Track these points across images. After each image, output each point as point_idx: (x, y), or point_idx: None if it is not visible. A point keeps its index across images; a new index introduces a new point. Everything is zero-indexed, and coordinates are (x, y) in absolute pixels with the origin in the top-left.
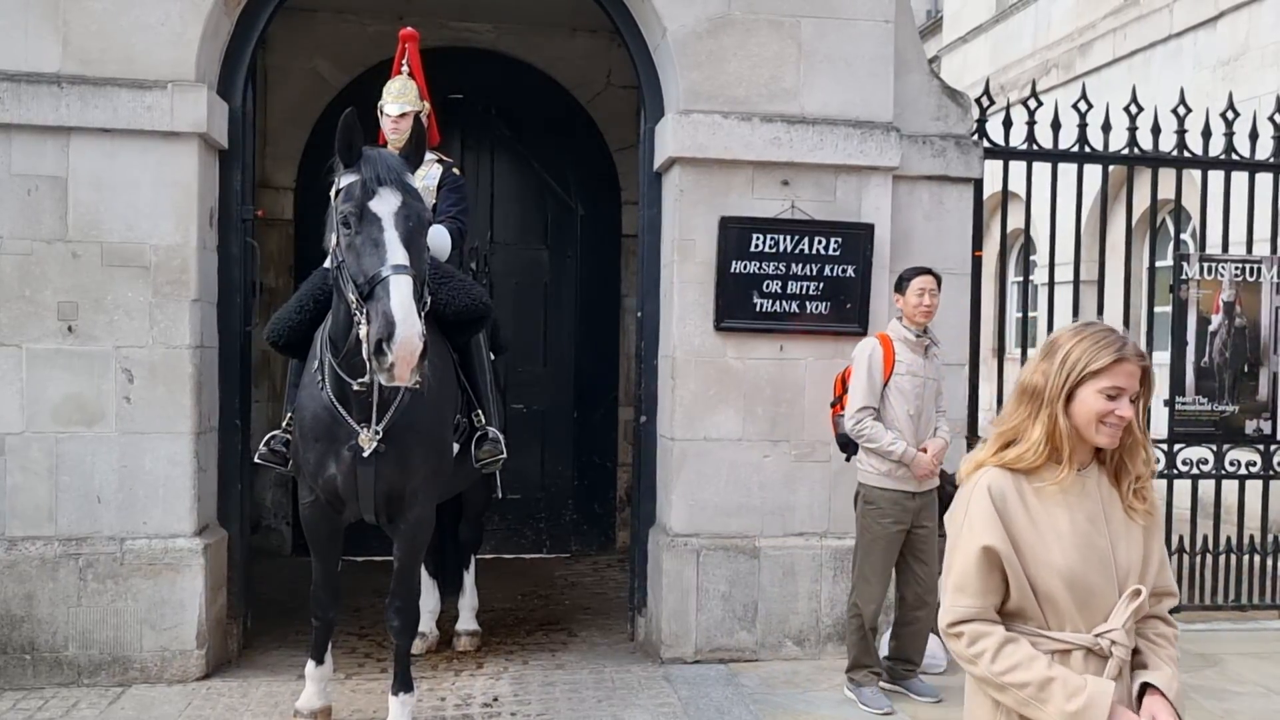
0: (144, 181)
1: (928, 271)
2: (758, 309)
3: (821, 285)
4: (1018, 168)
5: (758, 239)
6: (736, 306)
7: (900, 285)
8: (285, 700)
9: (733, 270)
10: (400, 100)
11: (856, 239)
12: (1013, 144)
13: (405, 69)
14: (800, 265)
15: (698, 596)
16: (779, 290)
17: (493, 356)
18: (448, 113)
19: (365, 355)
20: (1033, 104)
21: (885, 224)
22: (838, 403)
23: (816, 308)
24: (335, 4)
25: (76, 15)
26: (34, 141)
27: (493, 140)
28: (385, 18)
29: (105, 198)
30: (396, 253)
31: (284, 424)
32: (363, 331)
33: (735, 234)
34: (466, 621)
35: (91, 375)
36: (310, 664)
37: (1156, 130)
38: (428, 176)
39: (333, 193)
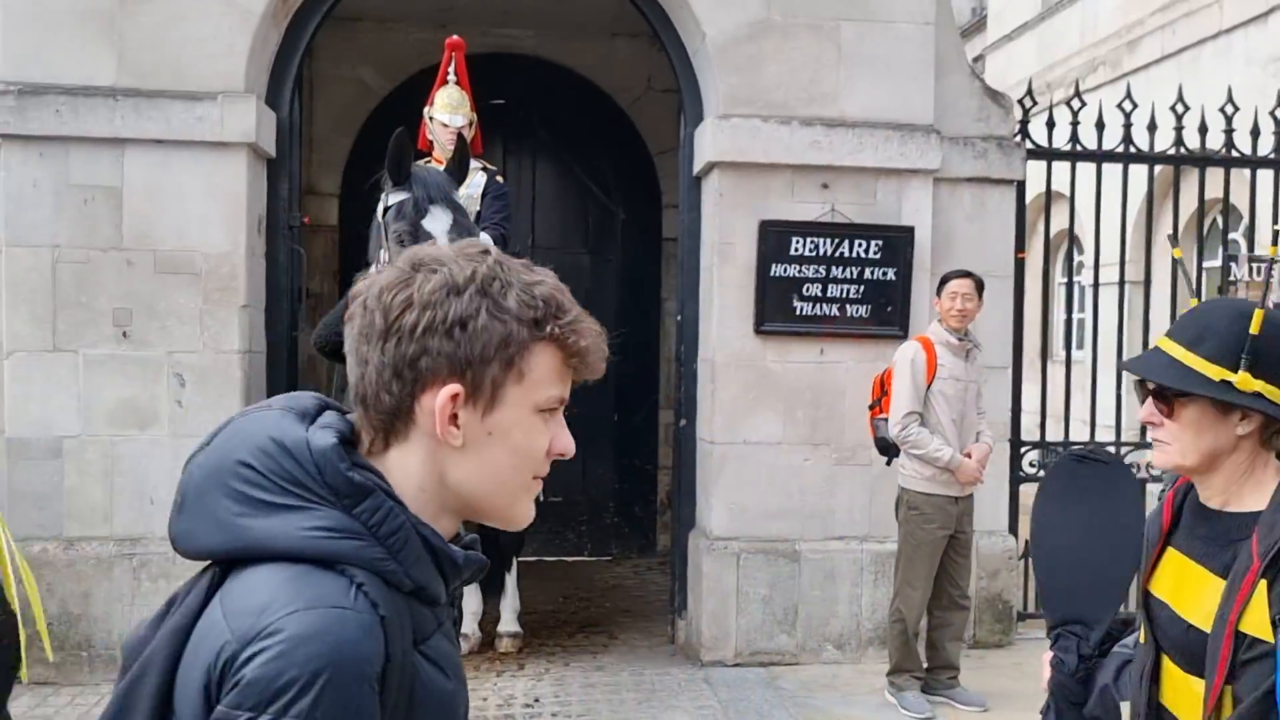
0: (195, 190)
1: (966, 275)
2: (797, 312)
3: (862, 288)
4: (1061, 168)
5: (797, 242)
6: (776, 310)
7: (939, 288)
8: None
9: (772, 273)
10: (459, 112)
11: (897, 242)
12: (1056, 145)
13: (453, 77)
14: (840, 268)
15: (738, 599)
16: (819, 293)
17: None
18: (489, 118)
19: None
20: (1076, 104)
21: (926, 226)
22: (876, 405)
23: (857, 311)
24: (378, 13)
25: (130, 30)
26: (90, 152)
27: (534, 145)
28: (427, 26)
29: (157, 207)
30: None
31: None
32: None
33: (774, 237)
34: (508, 623)
35: (145, 380)
36: None
37: (1203, 129)
38: (472, 185)
39: (380, 209)
